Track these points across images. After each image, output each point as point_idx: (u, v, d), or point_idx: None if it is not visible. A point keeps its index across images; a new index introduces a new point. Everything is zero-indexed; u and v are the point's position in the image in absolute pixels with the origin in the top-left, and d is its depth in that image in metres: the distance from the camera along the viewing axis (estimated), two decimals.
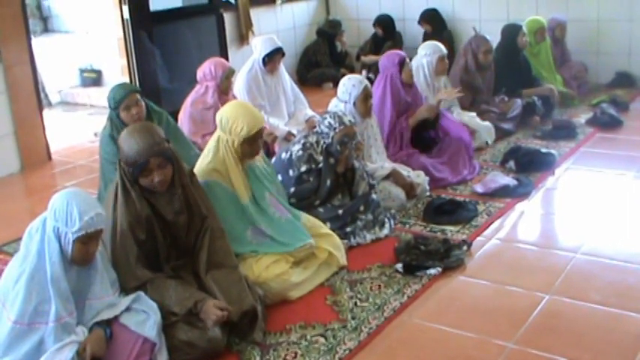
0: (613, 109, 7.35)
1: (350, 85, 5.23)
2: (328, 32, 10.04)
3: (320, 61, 9.86)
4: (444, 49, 6.50)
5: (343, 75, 5.77)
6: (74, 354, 3.08)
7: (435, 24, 9.56)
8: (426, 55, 6.44)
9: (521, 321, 3.71)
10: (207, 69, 5.92)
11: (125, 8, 7.58)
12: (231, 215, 4.01)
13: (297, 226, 4.23)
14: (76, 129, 8.29)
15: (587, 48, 8.77)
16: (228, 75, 5.94)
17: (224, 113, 4.10)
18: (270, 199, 4.22)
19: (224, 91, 5.92)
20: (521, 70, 7.44)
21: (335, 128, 4.63)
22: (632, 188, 5.50)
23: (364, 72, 9.53)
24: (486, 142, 6.51)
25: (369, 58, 9.78)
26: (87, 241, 3.14)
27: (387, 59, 5.94)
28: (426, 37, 9.48)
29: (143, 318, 3.30)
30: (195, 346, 3.41)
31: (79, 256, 3.16)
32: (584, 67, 8.52)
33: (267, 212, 4.16)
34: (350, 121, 4.73)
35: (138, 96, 4.87)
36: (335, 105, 5.27)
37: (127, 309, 3.32)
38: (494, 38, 7.38)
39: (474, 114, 6.71)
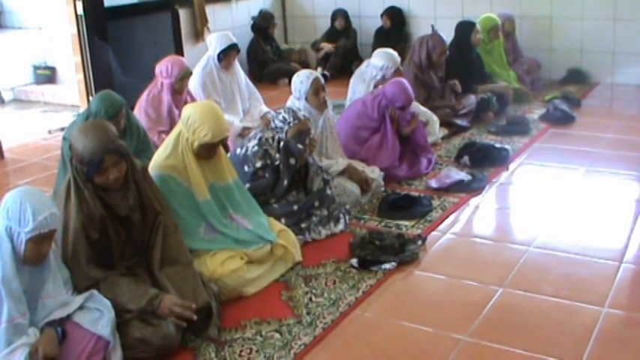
0: (565, 105, 7.47)
1: (299, 81, 5.24)
2: (260, 26, 9.95)
3: (267, 60, 9.83)
4: (398, 60, 6.49)
5: (297, 71, 5.77)
6: (26, 356, 3.03)
7: (395, 20, 9.65)
8: (381, 68, 6.38)
9: (475, 314, 3.74)
10: (164, 66, 5.87)
11: (79, 4, 7.53)
12: (184, 210, 3.99)
13: (254, 234, 4.20)
14: (30, 127, 8.18)
15: (540, 45, 8.92)
16: (184, 76, 5.88)
17: (192, 112, 4.04)
18: (235, 217, 4.23)
19: (178, 91, 5.88)
20: (475, 67, 7.53)
21: (289, 123, 4.62)
22: (584, 182, 5.59)
23: (319, 69, 9.57)
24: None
25: (326, 46, 9.85)
26: (40, 241, 3.09)
27: (394, 92, 5.72)
28: (382, 33, 9.57)
29: (97, 316, 3.27)
30: (149, 343, 3.38)
31: (32, 255, 3.11)
32: (536, 64, 8.64)
33: (228, 225, 4.17)
34: (304, 115, 4.74)
35: (124, 110, 4.93)
36: (292, 103, 5.27)
37: (81, 307, 3.28)
38: (448, 35, 7.45)
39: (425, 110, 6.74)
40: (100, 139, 3.42)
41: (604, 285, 3.98)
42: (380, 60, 6.46)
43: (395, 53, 6.57)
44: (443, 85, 7.16)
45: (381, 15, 9.74)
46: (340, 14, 9.99)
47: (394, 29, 9.61)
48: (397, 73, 6.41)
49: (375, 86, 6.29)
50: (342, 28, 9.97)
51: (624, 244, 4.48)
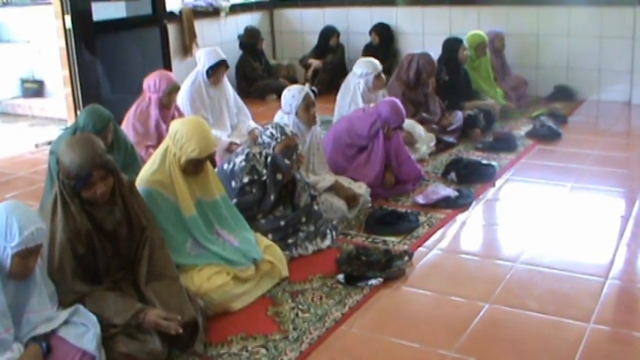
0: (552, 121, 7.52)
1: (290, 96, 5.25)
2: (247, 43, 9.96)
3: (256, 77, 9.84)
4: (378, 66, 6.58)
5: (285, 86, 5.78)
6: None
7: (383, 37, 9.70)
8: (361, 75, 6.50)
9: (462, 330, 3.75)
10: (152, 81, 5.86)
11: (68, 18, 7.52)
12: (171, 226, 3.99)
13: (240, 251, 4.19)
14: (17, 140, 8.17)
15: (527, 62, 9.00)
16: (172, 91, 5.88)
17: (180, 128, 4.04)
18: (221, 233, 4.23)
19: (166, 106, 5.88)
20: (462, 83, 7.57)
21: (277, 138, 4.63)
22: (570, 199, 5.62)
23: (307, 85, 9.59)
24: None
25: (316, 62, 9.87)
26: (26, 255, 3.07)
27: (389, 114, 5.69)
28: (370, 49, 9.62)
29: (82, 331, 3.25)
30: (135, 358, 3.36)
31: (18, 270, 3.09)
32: (524, 81, 8.71)
33: (214, 241, 4.16)
34: (292, 131, 4.74)
35: (111, 124, 4.93)
36: (280, 117, 5.28)
37: (66, 322, 3.25)
38: (436, 52, 7.50)
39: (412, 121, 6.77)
40: (88, 154, 3.41)
41: (589, 301, 4.00)
42: (359, 68, 6.58)
43: (375, 60, 6.67)
44: (429, 101, 7.18)
45: (370, 31, 9.79)
46: (335, 33, 10.04)
47: (383, 45, 9.66)
48: (379, 79, 6.53)
49: (363, 97, 6.37)
50: (335, 45, 10.01)
51: (610, 260, 4.50)
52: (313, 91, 8.90)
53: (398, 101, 5.82)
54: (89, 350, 3.20)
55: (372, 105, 5.92)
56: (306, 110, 5.22)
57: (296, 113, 5.22)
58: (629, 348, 3.61)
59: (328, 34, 10.05)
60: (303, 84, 9.33)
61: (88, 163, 3.39)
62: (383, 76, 6.60)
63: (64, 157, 3.44)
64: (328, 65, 9.85)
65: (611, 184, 5.88)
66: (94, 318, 3.30)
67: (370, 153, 5.71)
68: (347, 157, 5.77)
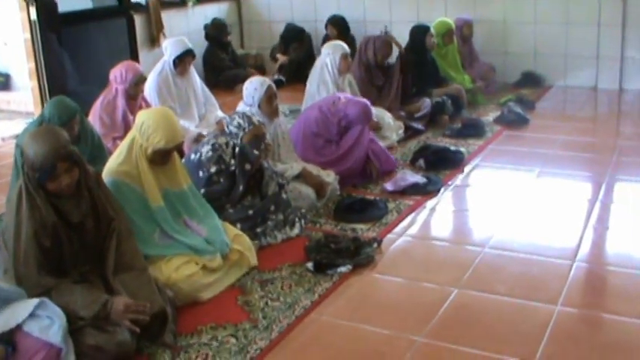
0: (519, 107, 7.57)
1: (252, 88, 5.23)
2: (213, 35, 9.88)
3: (223, 67, 9.76)
4: (346, 48, 6.64)
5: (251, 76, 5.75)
6: None
7: (340, 28, 9.64)
8: (329, 53, 6.57)
9: (431, 315, 3.76)
10: (118, 72, 5.84)
11: (32, 9, 7.43)
12: (138, 216, 3.96)
13: (208, 241, 4.17)
14: None
15: (495, 48, 9.05)
16: (138, 81, 5.86)
17: (146, 118, 4.01)
18: (190, 223, 4.21)
19: (132, 97, 5.85)
20: (430, 70, 7.58)
21: (244, 128, 4.62)
22: (538, 184, 5.67)
23: (277, 74, 9.56)
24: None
25: (283, 59, 9.85)
26: None
27: (356, 115, 5.73)
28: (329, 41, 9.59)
29: (47, 323, 3.21)
30: (104, 350, 3.33)
31: None
32: (491, 68, 8.75)
33: (182, 231, 4.14)
34: (259, 121, 4.73)
35: (77, 116, 4.89)
36: (242, 109, 5.25)
37: (31, 315, 3.22)
38: (404, 40, 7.51)
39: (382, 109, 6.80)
40: (52, 145, 3.37)
41: (557, 283, 4.03)
42: (326, 48, 6.71)
43: (342, 42, 6.82)
44: (393, 86, 7.20)
45: (325, 25, 9.74)
46: (292, 42, 10.05)
47: (340, 38, 9.53)
48: (345, 59, 6.58)
49: (331, 77, 6.47)
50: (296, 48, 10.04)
51: (577, 243, 4.54)
52: (281, 80, 8.90)
53: (369, 105, 5.86)
54: (55, 343, 3.17)
55: (342, 99, 5.87)
56: (268, 102, 5.20)
57: (258, 106, 5.20)
58: (596, 329, 3.66)
59: (288, 40, 10.10)
60: (273, 75, 9.33)
61: (52, 154, 3.35)
62: (349, 59, 6.63)
63: (28, 148, 3.41)
64: (294, 61, 9.78)
65: (577, 169, 5.94)
66: (59, 311, 3.26)
67: (349, 147, 5.72)
68: (316, 149, 5.75)
